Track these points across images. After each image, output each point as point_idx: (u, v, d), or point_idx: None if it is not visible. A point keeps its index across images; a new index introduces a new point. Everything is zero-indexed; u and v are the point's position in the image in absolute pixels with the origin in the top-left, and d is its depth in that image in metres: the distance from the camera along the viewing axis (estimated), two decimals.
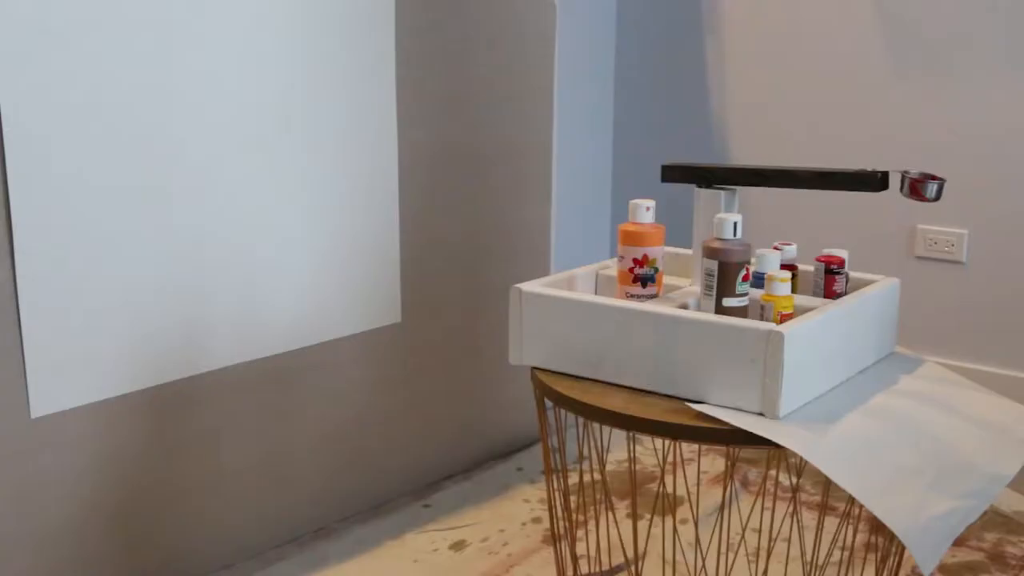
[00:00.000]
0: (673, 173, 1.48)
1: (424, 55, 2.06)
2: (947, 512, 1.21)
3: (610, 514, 1.63)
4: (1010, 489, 2.14)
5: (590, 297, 1.40)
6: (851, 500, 1.31)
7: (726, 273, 1.32)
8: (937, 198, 1.34)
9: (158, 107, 1.67)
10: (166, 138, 1.69)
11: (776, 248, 1.47)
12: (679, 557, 1.81)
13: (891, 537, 1.32)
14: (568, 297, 1.39)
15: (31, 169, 1.53)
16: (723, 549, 1.72)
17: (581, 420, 1.36)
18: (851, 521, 1.48)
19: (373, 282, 2.04)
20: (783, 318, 1.31)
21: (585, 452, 1.44)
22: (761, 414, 1.24)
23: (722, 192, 1.43)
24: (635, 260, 1.42)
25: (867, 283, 1.48)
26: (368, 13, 1.94)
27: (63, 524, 1.65)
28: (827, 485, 1.25)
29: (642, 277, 1.42)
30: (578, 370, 1.38)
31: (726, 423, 1.23)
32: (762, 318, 1.32)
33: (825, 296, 1.45)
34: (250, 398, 1.87)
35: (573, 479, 1.91)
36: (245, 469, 1.89)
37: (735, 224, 1.33)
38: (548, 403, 1.40)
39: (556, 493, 1.47)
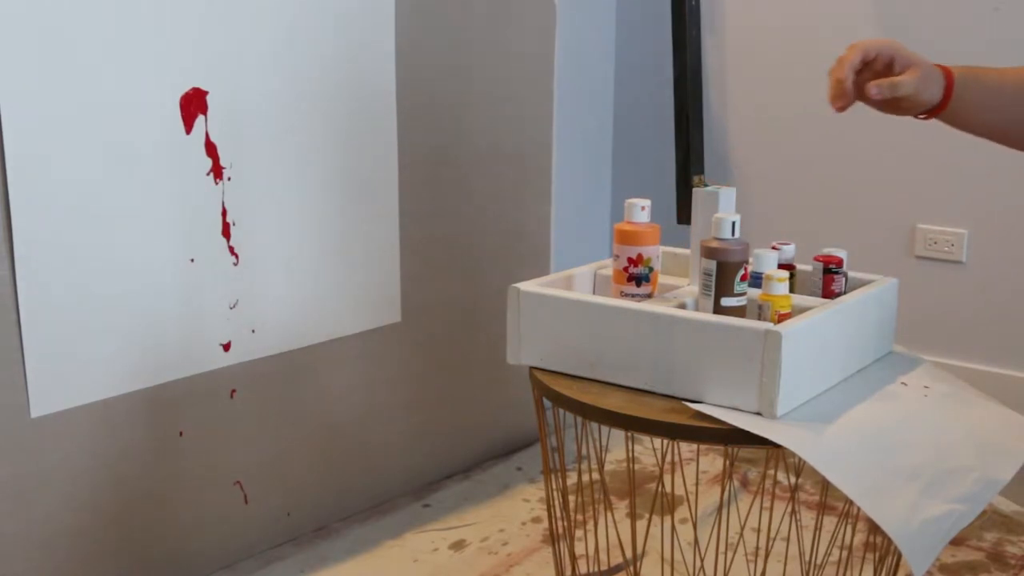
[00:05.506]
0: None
1: (424, 55, 2.06)
2: (941, 516, 1.21)
3: (609, 514, 1.63)
4: (1009, 490, 2.14)
5: (588, 297, 1.40)
6: (849, 500, 1.32)
7: (724, 273, 1.33)
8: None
9: (158, 107, 1.67)
10: (166, 138, 1.69)
11: (774, 248, 1.47)
12: (678, 556, 1.81)
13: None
14: (566, 297, 1.39)
15: (31, 169, 1.53)
16: (722, 548, 1.72)
17: (580, 420, 1.36)
18: (850, 521, 1.48)
19: (373, 282, 2.04)
20: (781, 318, 1.31)
21: (584, 452, 1.44)
22: (759, 413, 1.24)
23: (720, 191, 1.43)
24: (630, 259, 1.42)
25: (866, 283, 1.48)
26: (368, 13, 1.94)
27: (63, 524, 1.65)
28: (826, 485, 1.25)
29: (637, 276, 1.42)
30: (576, 370, 1.38)
31: (724, 423, 1.23)
32: (760, 318, 1.32)
33: (823, 296, 1.45)
34: (250, 398, 1.88)
35: (572, 479, 1.91)
36: (245, 469, 1.89)
37: (733, 223, 1.33)
38: (547, 403, 1.40)
39: (555, 493, 1.47)
